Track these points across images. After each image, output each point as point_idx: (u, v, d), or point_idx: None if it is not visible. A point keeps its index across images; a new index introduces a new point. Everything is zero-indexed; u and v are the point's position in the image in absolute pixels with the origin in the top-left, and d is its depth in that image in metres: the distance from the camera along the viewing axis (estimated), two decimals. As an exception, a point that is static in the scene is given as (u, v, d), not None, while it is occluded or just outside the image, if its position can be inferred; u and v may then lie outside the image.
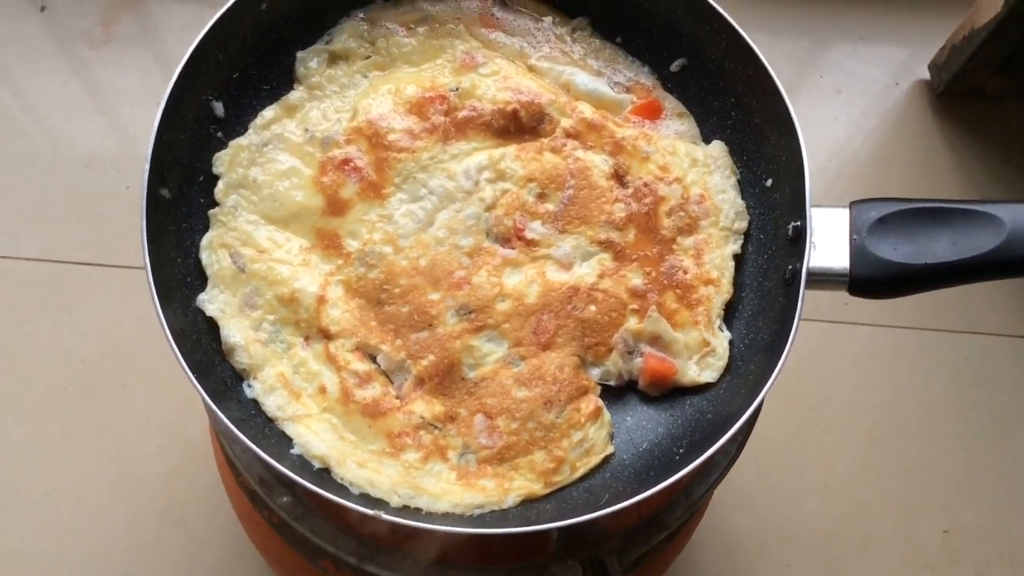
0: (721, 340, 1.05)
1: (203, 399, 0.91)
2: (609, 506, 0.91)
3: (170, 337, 0.91)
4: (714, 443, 0.93)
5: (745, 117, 1.11)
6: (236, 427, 0.90)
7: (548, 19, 1.18)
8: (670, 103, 1.17)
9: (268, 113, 1.09)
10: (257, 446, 0.89)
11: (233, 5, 1.04)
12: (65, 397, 1.70)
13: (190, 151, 1.04)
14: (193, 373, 0.91)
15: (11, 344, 1.74)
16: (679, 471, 0.92)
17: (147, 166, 0.96)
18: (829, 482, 1.75)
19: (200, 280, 1.03)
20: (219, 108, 1.07)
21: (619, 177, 1.09)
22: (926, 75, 2.11)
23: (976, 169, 2.00)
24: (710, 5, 1.08)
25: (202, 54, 1.02)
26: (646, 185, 1.08)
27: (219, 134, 1.07)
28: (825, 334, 1.83)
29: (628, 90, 1.16)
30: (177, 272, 1.01)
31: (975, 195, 1.97)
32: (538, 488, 0.99)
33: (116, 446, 1.67)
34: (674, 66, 1.16)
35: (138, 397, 1.70)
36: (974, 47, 1.93)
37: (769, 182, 1.09)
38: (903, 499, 1.74)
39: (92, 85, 1.99)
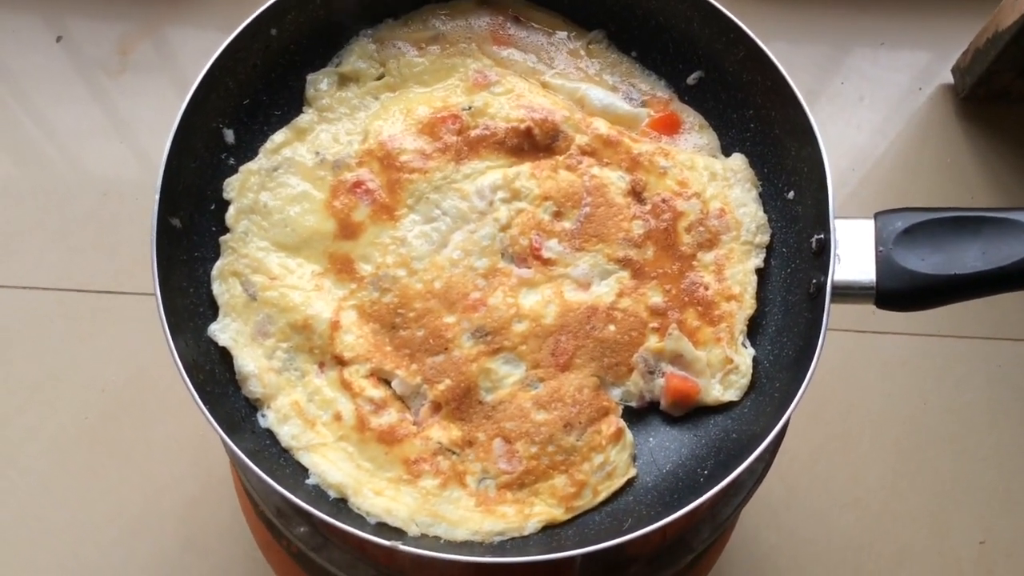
0: (744, 357, 1.02)
1: (216, 430, 0.90)
2: (633, 531, 0.89)
3: (182, 370, 0.90)
4: (740, 464, 0.91)
5: (765, 128, 1.09)
6: (250, 458, 0.88)
7: (563, 33, 1.16)
8: (688, 116, 1.15)
9: (278, 137, 1.08)
10: (272, 477, 0.88)
11: (242, 31, 1.04)
12: (86, 426, 1.70)
13: (201, 179, 1.04)
14: (206, 405, 0.90)
15: (32, 373, 1.74)
16: (704, 493, 0.90)
17: (157, 196, 0.96)
18: (860, 495, 1.71)
19: (212, 309, 1.02)
20: (230, 135, 1.06)
21: (636, 193, 1.07)
22: (949, 79, 2.08)
23: (1003, 173, 1.96)
24: (727, 16, 1.06)
25: (212, 82, 1.02)
26: (664, 201, 1.06)
27: (231, 161, 1.06)
28: (852, 344, 1.80)
29: (645, 104, 1.15)
30: (189, 302, 1.01)
31: (1003, 199, 1.93)
32: (559, 514, 0.97)
33: (138, 475, 1.66)
34: (691, 79, 1.14)
35: (159, 425, 1.70)
36: (998, 50, 1.90)
37: (791, 194, 1.07)
38: (937, 510, 1.71)
39: (110, 113, 2.00)
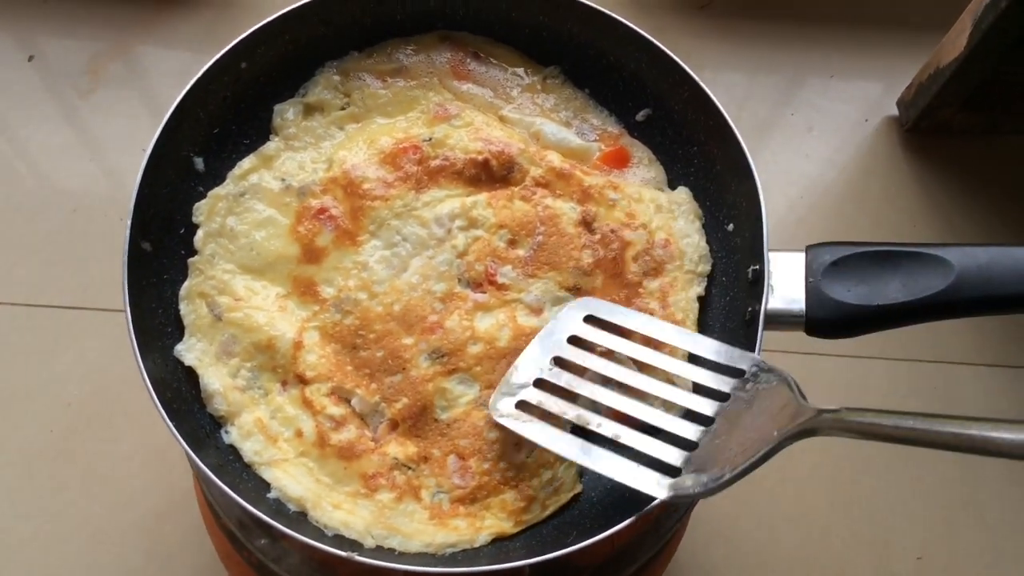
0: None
1: (182, 446, 0.94)
2: (577, 542, 0.93)
3: (150, 387, 0.94)
4: (679, 480, 0.96)
5: (707, 164, 1.16)
6: (214, 473, 0.92)
7: (520, 70, 1.22)
8: (637, 150, 1.21)
9: (246, 163, 1.13)
10: (234, 491, 0.92)
11: (214, 64, 1.08)
12: (51, 439, 1.72)
13: (171, 205, 1.08)
14: (172, 421, 0.94)
15: (-1, 387, 1.76)
16: (644, 507, 0.94)
17: (128, 221, 1.00)
18: (804, 510, 1.78)
19: (179, 329, 1.06)
20: (199, 163, 1.11)
21: (587, 224, 1.13)
22: (895, 111, 2.16)
23: (944, 203, 2.05)
24: (673, 59, 1.12)
25: (183, 112, 1.06)
26: (613, 231, 1.12)
27: (200, 188, 1.11)
28: (795, 365, 1.83)
29: (597, 138, 1.21)
30: (157, 322, 1.05)
31: (944, 228, 2.02)
32: (508, 527, 1.01)
33: (102, 488, 1.69)
34: (640, 115, 1.20)
35: (123, 439, 1.72)
36: (939, 85, 1.98)
37: (731, 226, 1.13)
38: (876, 527, 1.77)
39: (80, 132, 2.03)
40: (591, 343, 1.03)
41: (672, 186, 1.19)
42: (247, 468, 1.02)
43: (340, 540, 0.97)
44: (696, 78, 1.11)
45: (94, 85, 2.07)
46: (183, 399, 1.03)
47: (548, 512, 1.03)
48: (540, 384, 1.01)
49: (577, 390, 1.00)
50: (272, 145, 1.14)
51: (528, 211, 1.12)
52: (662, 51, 1.13)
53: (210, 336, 1.06)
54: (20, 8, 2.14)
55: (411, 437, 1.04)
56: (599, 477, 1.06)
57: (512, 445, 1.03)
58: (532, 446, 1.03)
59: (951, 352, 1.89)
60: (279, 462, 1.02)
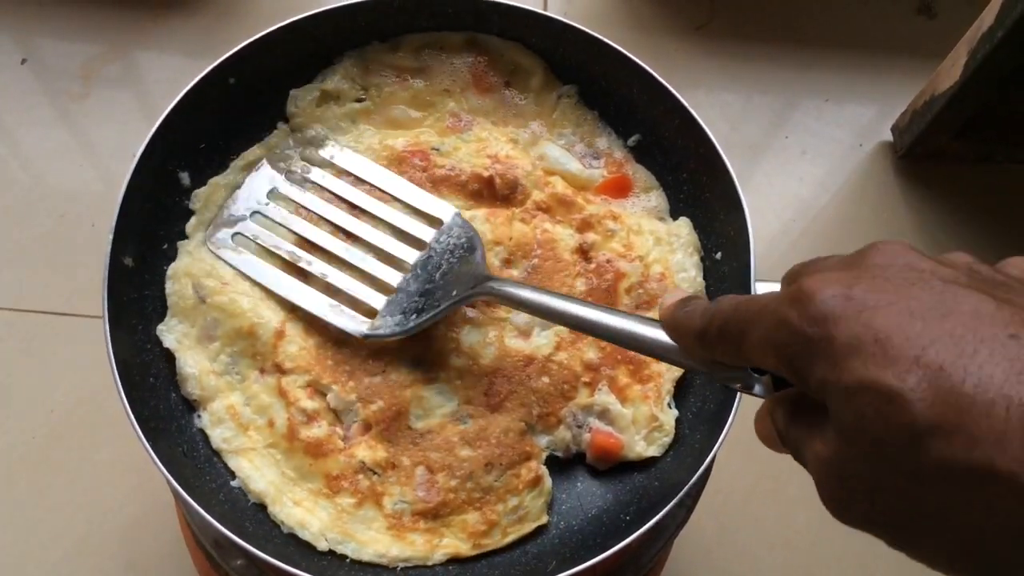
0: (669, 417, 1.07)
1: (135, 429, 0.94)
2: (556, 572, 0.93)
3: (114, 366, 0.95)
4: (659, 511, 0.95)
5: (697, 192, 1.15)
6: (176, 466, 0.94)
7: (535, 85, 1.20)
8: (641, 175, 1.19)
9: (248, 154, 1.12)
10: (196, 480, 0.95)
11: (201, 80, 1.07)
12: (33, 446, 1.71)
13: (155, 220, 1.07)
14: (130, 402, 0.95)
15: (-18, 392, 1.75)
16: (625, 538, 0.93)
17: (110, 236, 1.00)
18: (789, 536, 1.77)
19: (159, 347, 1.06)
20: (185, 178, 1.10)
21: (583, 252, 1.11)
22: (889, 137, 2.17)
23: (936, 230, 2.05)
24: (664, 87, 1.12)
25: (169, 126, 1.05)
26: (608, 261, 1.11)
27: (184, 203, 1.10)
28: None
29: (602, 164, 1.19)
30: (137, 339, 1.04)
31: (935, 255, 2.01)
32: (465, 548, 1.00)
33: (83, 496, 1.68)
34: (631, 141, 1.20)
35: (106, 448, 1.71)
36: (934, 112, 1.99)
37: (719, 255, 1.12)
38: (861, 554, 1.77)
39: (72, 135, 2.02)
40: (311, 180, 1.11)
41: (674, 215, 1.18)
42: (213, 456, 1.02)
43: (294, 539, 0.98)
44: (688, 106, 1.11)
45: (88, 89, 2.07)
46: (156, 383, 1.03)
47: (508, 540, 1.02)
48: (256, 218, 1.09)
49: (292, 226, 1.08)
50: (279, 134, 1.14)
51: (527, 232, 1.11)
52: (653, 77, 1.13)
53: (192, 318, 1.05)
54: (14, 10, 2.13)
55: (382, 441, 1.03)
56: (580, 505, 1.06)
57: (483, 466, 1.02)
58: (503, 469, 1.02)
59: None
60: (246, 451, 1.02)
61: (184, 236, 1.09)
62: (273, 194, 1.10)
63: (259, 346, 1.04)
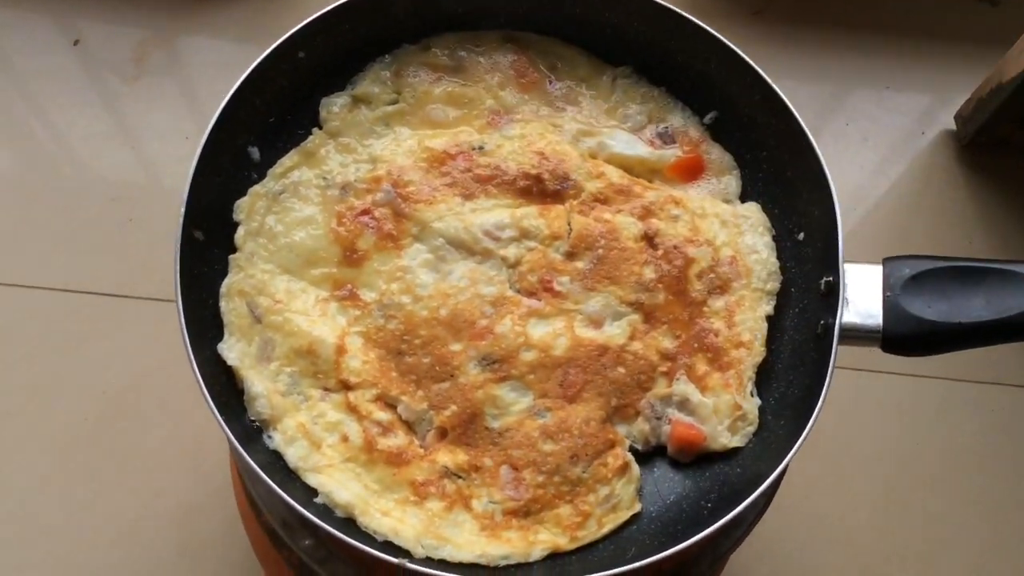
0: (752, 405, 1.03)
1: (231, 443, 0.91)
2: (636, 560, 0.90)
3: (201, 381, 0.91)
4: (743, 500, 0.92)
5: (776, 170, 1.12)
6: (264, 471, 0.89)
7: (582, 73, 1.18)
8: (716, 155, 1.15)
9: (287, 160, 1.09)
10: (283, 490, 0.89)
11: (271, 52, 1.05)
12: (86, 428, 1.70)
13: (225, 194, 1.05)
14: (222, 415, 0.91)
15: (34, 373, 1.74)
16: (708, 527, 0.91)
17: (183, 209, 0.97)
18: (851, 533, 1.73)
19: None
20: (255, 153, 1.08)
21: (649, 239, 1.08)
22: (951, 125, 2.11)
23: (1001, 220, 1.99)
24: (745, 61, 1.08)
25: (239, 99, 1.03)
26: (676, 247, 1.08)
27: (254, 177, 1.08)
28: (849, 382, 1.82)
29: (678, 143, 1.15)
30: (207, 313, 1.02)
31: (1001, 246, 1.96)
32: (564, 542, 0.98)
33: (135, 479, 1.67)
34: (707, 118, 1.16)
35: (158, 430, 1.70)
36: (1000, 101, 1.93)
37: (801, 236, 1.09)
38: (924, 551, 1.72)
39: (122, 119, 2.01)
40: None
41: (751, 195, 1.14)
42: (291, 473, 0.98)
43: (390, 547, 0.94)
44: (770, 81, 1.07)
45: (138, 73, 2.05)
46: (227, 398, 0.99)
47: (605, 530, 0.99)
48: None
49: None
50: (315, 140, 1.10)
51: (588, 224, 1.07)
52: (734, 52, 1.09)
53: (249, 337, 1.02)
54: (66, -8, 2.13)
55: (461, 445, 1.00)
56: (658, 492, 1.03)
57: (568, 458, 0.99)
58: (589, 459, 0.99)
59: (1010, 374, 1.84)
60: (324, 467, 0.98)
61: (235, 249, 1.06)
62: None
63: (320, 364, 1.01)
